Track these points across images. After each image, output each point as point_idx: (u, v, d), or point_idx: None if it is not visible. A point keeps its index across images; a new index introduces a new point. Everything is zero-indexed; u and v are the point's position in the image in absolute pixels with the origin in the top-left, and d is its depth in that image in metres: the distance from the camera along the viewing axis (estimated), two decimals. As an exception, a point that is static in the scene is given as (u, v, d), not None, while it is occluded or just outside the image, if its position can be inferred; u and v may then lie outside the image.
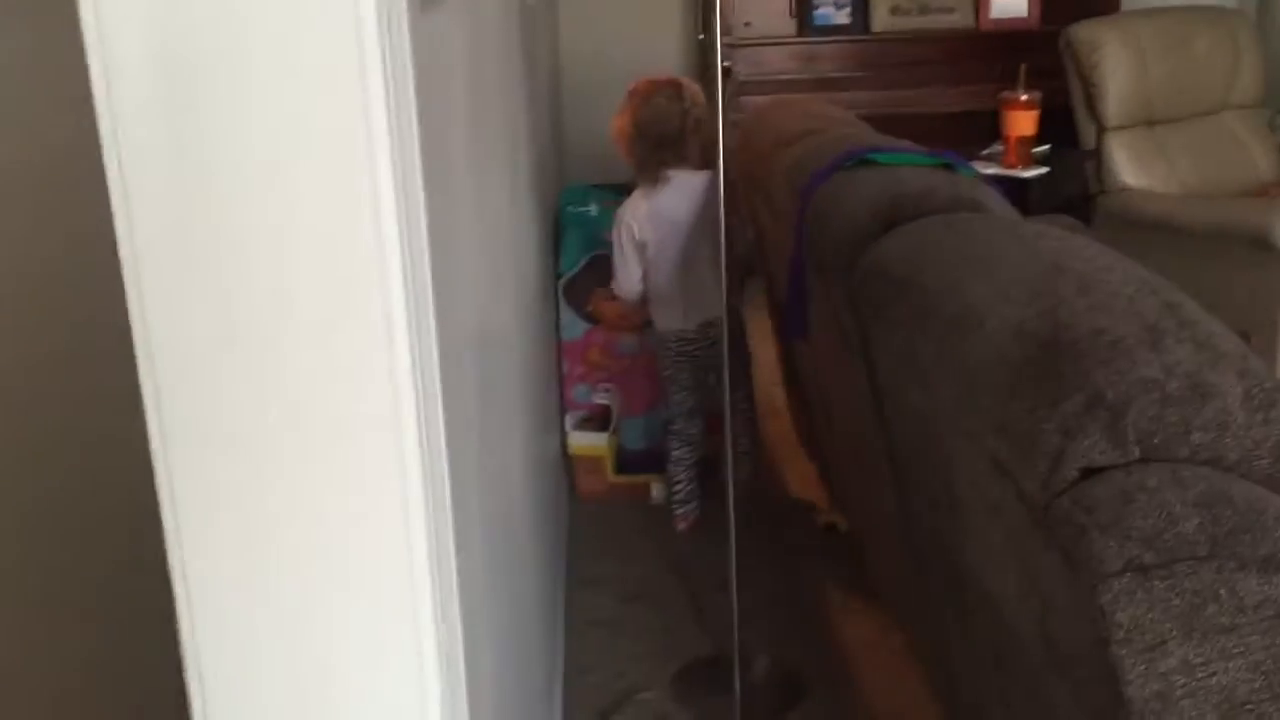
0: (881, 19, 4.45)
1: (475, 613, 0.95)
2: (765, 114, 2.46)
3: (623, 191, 3.92)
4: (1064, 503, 0.99)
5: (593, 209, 3.29)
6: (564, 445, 2.96)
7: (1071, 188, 3.47)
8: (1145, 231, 3.37)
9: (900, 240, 1.47)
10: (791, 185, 1.90)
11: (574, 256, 2.97)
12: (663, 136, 2.57)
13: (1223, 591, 0.88)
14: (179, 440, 0.63)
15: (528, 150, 2.16)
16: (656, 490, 2.96)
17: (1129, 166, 3.47)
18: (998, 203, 1.63)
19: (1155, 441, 0.98)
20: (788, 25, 4.51)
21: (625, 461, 3.01)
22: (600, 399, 2.99)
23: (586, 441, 2.94)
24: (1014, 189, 3.21)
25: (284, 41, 0.59)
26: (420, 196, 0.65)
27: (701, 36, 4.71)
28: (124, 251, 0.66)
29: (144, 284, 0.64)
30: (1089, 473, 1.00)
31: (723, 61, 4.53)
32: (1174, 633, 0.89)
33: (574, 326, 2.98)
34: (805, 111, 2.32)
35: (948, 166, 1.71)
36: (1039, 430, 1.04)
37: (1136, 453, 0.99)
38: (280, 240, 0.63)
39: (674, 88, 2.59)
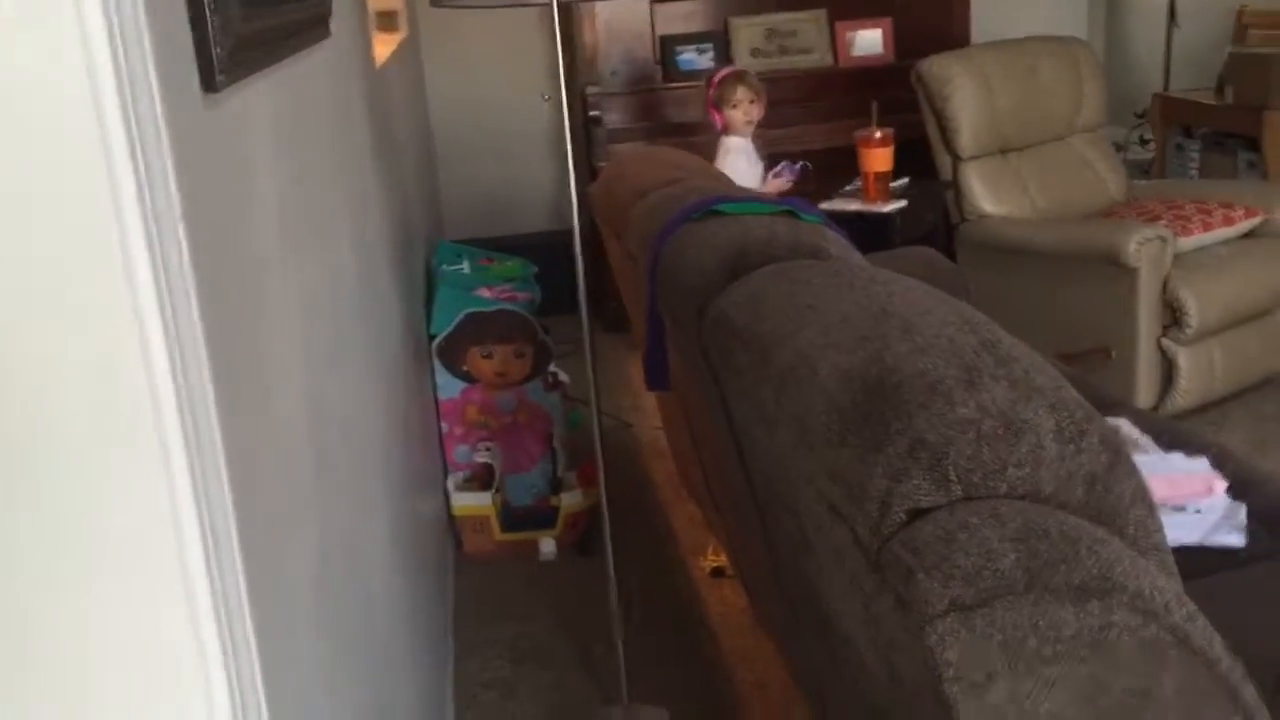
0: (743, 61, 4.54)
1: (312, 708, 0.93)
2: (624, 165, 2.49)
3: (497, 247, 3.92)
4: (894, 546, 1.01)
5: (465, 266, 3.29)
6: (448, 507, 2.93)
7: (933, 219, 3.57)
8: (1006, 256, 3.49)
9: (741, 290, 1.49)
10: (645, 238, 1.92)
11: (448, 315, 2.96)
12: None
13: (1041, 623, 0.90)
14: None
15: (384, 213, 2.15)
16: (545, 546, 2.94)
17: (986, 194, 3.58)
18: (840, 246, 1.66)
19: (975, 480, 1.01)
20: (653, 71, 4.59)
21: (511, 519, 2.99)
22: (482, 458, 2.97)
23: (470, 502, 2.91)
24: (876, 224, 3.29)
25: (17, 166, 0.58)
26: (192, 300, 0.64)
27: (547, 98, 4.76)
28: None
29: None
30: (916, 514, 1.02)
31: (591, 111, 4.59)
32: (999, 667, 0.91)
33: (450, 386, 2.96)
34: (662, 161, 2.35)
35: (791, 214, 1.75)
36: (868, 475, 1.06)
37: (959, 492, 1.01)
38: (42, 365, 0.61)
39: (736, 76, 3.48)
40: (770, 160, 3.54)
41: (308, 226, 1.21)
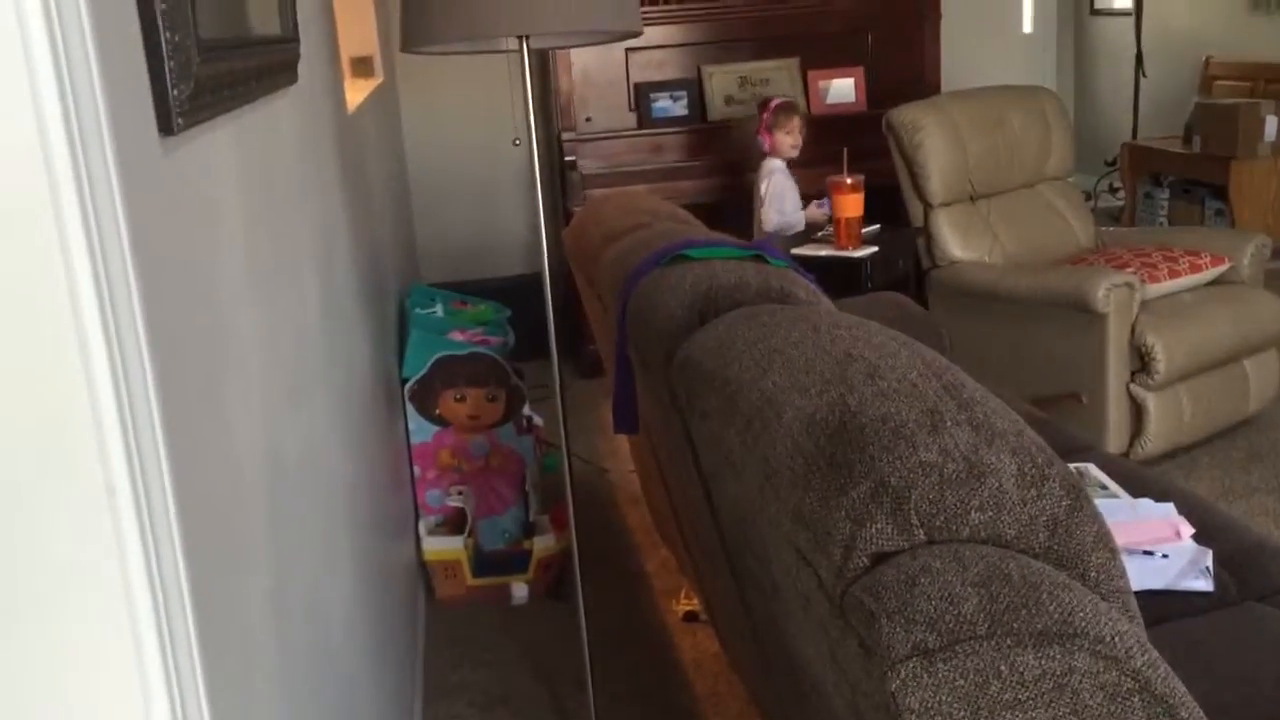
0: (717, 109, 4.59)
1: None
2: (595, 210, 2.50)
3: (473, 291, 3.93)
4: (856, 590, 1.00)
5: (439, 309, 3.28)
6: (419, 552, 2.91)
7: (904, 264, 3.60)
8: (977, 302, 3.51)
9: (709, 334, 1.49)
10: (615, 282, 1.93)
11: (420, 358, 2.95)
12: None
13: (1003, 668, 0.90)
14: None
15: (354, 256, 2.14)
16: (517, 590, 2.92)
17: (956, 240, 3.62)
18: (807, 291, 1.67)
19: (937, 523, 1.01)
20: (628, 118, 4.62)
21: (483, 563, 2.97)
22: (454, 502, 2.95)
23: (442, 546, 2.89)
24: (848, 269, 3.32)
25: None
26: (141, 341, 0.64)
27: (517, 142, 4.80)
28: None
29: None
30: (879, 558, 1.02)
31: (567, 157, 4.63)
32: (961, 714, 0.90)
33: (423, 430, 2.95)
34: (631, 206, 2.36)
35: (759, 258, 1.76)
36: (831, 519, 1.05)
37: (921, 536, 1.01)
38: None
39: (790, 105, 4.02)
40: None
41: (272, 269, 1.21)
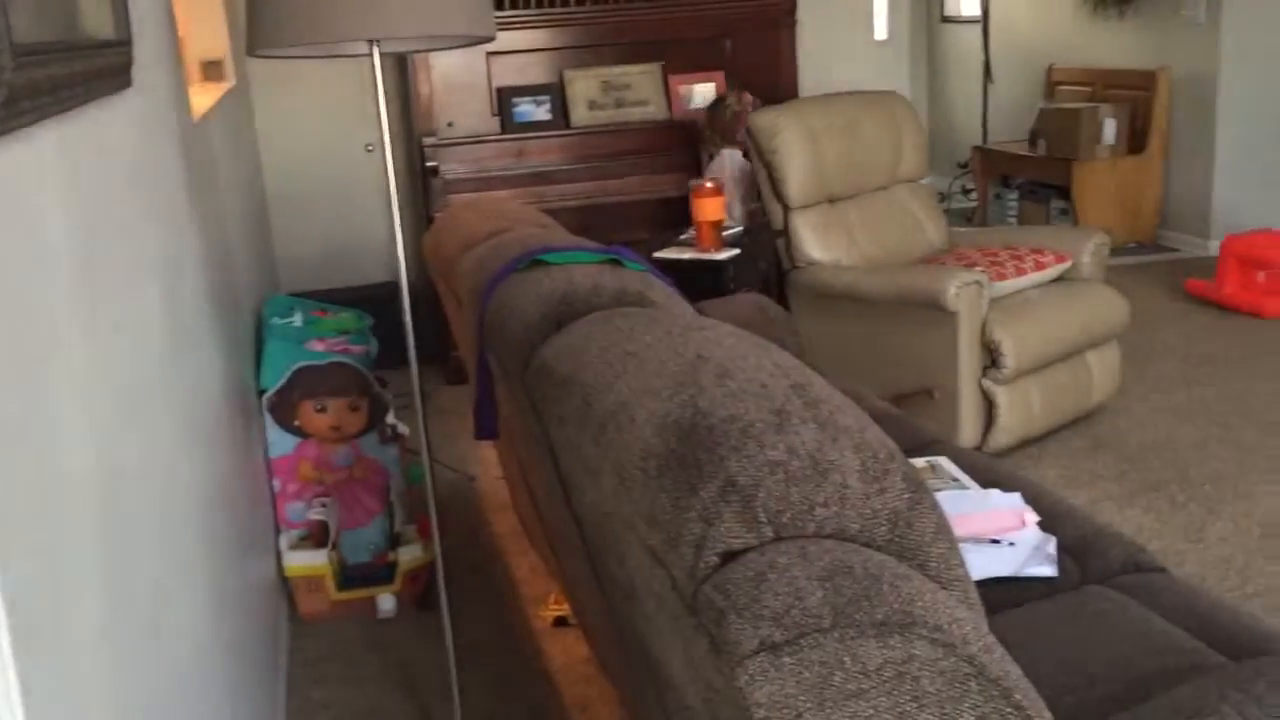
0: (580, 114, 4.60)
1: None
2: (454, 216, 2.48)
3: (337, 299, 3.85)
4: (707, 589, 1.02)
5: (297, 319, 3.21)
6: (280, 567, 2.84)
7: (765, 266, 3.66)
8: (836, 302, 3.60)
9: (564, 339, 1.50)
10: (472, 289, 1.91)
11: (278, 369, 2.88)
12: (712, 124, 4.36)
13: (846, 659, 0.92)
14: None
15: (202, 266, 2.08)
16: (384, 603, 2.87)
17: (815, 242, 3.69)
18: (664, 294, 1.69)
19: (784, 520, 1.03)
20: (491, 123, 4.59)
21: (348, 577, 2.91)
22: (316, 515, 2.89)
23: (304, 561, 2.82)
24: (711, 271, 3.36)
25: None
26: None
27: (370, 148, 4.73)
28: None
29: None
30: (728, 556, 1.03)
31: (428, 162, 4.59)
32: (808, 705, 0.92)
33: (283, 442, 2.87)
34: (491, 212, 2.35)
35: (615, 262, 1.77)
36: (682, 519, 1.07)
37: (769, 533, 1.03)
38: None
39: (725, 96, 4.39)
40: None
41: (105, 281, 1.16)
